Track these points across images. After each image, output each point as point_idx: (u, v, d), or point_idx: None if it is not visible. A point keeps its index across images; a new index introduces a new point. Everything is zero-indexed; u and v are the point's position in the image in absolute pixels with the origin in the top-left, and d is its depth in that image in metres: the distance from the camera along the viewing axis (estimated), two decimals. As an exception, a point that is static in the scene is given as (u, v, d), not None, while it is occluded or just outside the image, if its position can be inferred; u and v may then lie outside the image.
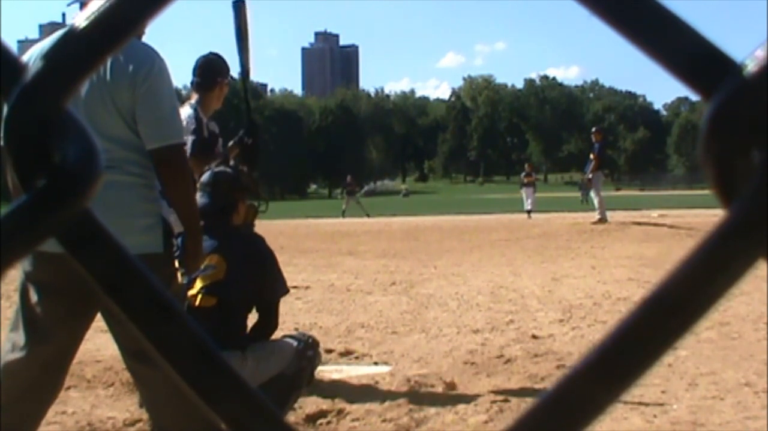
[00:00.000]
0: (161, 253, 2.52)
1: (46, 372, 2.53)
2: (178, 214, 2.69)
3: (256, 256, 3.31)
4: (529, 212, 21.08)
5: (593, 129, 15.96)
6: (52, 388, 2.56)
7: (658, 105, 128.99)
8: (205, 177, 3.41)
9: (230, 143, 4.13)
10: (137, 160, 2.56)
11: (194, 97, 4.11)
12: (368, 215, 25.12)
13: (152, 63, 2.57)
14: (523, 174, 23.06)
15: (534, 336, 5.16)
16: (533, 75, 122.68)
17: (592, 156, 14.77)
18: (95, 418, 3.55)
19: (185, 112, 3.87)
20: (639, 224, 14.90)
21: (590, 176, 14.67)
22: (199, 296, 3.23)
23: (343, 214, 26.51)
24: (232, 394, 0.32)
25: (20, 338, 2.51)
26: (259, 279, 3.27)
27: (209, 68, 4.16)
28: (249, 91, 4.30)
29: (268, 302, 3.34)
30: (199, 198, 3.24)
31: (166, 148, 2.56)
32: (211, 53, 4.28)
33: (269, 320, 3.33)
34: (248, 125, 4.08)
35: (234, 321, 3.25)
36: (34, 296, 2.51)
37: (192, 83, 4.16)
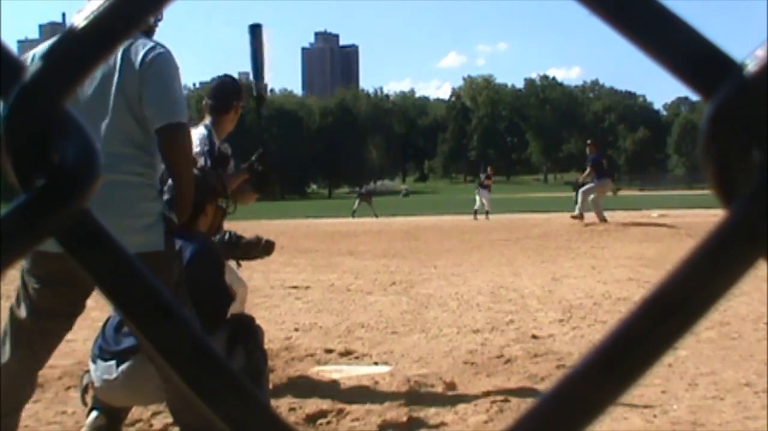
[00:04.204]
0: (163, 251, 2.53)
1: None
2: (177, 192, 2.70)
3: (205, 256, 3.27)
4: (486, 213, 21.29)
5: (588, 142, 15.68)
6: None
7: (658, 105, 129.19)
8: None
9: (242, 166, 4.11)
10: (139, 157, 2.58)
11: (208, 119, 4.09)
12: (377, 216, 25.33)
13: (155, 47, 2.61)
14: (483, 176, 23.08)
15: (534, 336, 5.16)
16: (533, 75, 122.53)
17: (588, 169, 14.60)
18: (95, 418, 3.55)
19: (198, 132, 3.89)
20: (639, 224, 14.89)
21: (591, 184, 14.51)
22: None
23: (353, 214, 26.73)
24: (231, 394, 0.32)
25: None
26: (204, 279, 3.25)
27: (224, 91, 4.11)
28: (263, 118, 4.25)
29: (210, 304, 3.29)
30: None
31: (174, 125, 2.57)
32: (226, 75, 4.28)
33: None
34: (260, 151, 4.01)
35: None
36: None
37: (206, 105, 4.12)
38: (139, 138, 2.58)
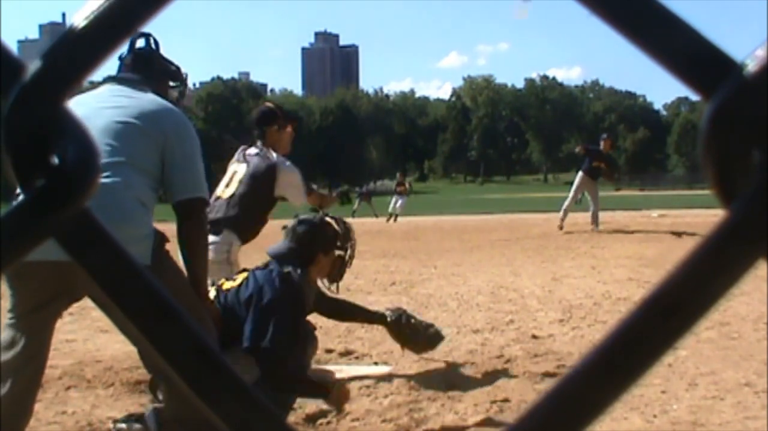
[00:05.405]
0: (148, 265, 2.54)
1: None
2: (191, 264, 2.77)
3: (261, 295, 3.18)
4: (394, 216, 21.81)
5: (604, 136, 14.43)
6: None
7: (658, 105, 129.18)
8: (291, 222, 3.45)
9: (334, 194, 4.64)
10: (144, 182, 2.65)
11: (258, 144, 4.47)
12: (376, 216, 25.35)
13: (188, 122, 2.82)
14: (395, 182, 24.12)
15: (534, 336, 5.16)
16: (534, 75, 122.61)
17: (602, 164, 13.73)
18: (95, 418, 3.55)
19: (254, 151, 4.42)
20: (639, 224, 14.86)
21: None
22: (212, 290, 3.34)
23: (353, 214, 26.76)
24: (231, 394, 0.32)
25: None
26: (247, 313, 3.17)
27: (262, 118, 4.53)
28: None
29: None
30: (281, 241, 3.40)
31: (195, 200, 2.72)
32: (267, 103, 4.81)
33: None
34: (343, 189, 4.58)
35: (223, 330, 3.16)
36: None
37: (256, 133, 4.52)
38: (147, 169, 2.67)
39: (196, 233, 2.76)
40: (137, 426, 3.13)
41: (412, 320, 4.03)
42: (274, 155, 4.37)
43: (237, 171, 4.35)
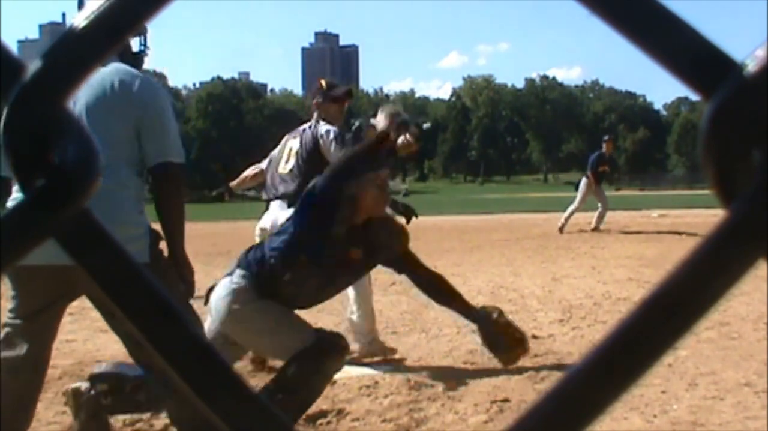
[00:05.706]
0: (147, 263, 2.54)
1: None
2: (168, 228, 2.75)
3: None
4: None
5: (606, 138, 14.38)
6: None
7: (658, 105, 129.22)
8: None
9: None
10: (130, 175, 2.63)
11: (314, 117, 4.78)
12: None
13: (154, 84, 2.78)
14: None
15: (534, 336, 5.15)
16: (534, 75, 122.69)
17: (607, 168, 13.60)
18: (95, 418, 3.54)
19: (325, 127, 4.64)
20: (639, 224, 14.85)
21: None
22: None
23: None
24: (230, 394, 0.32)
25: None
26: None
27: (310, 92, 4.95)
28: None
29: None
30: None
31: (170, 164, 2.69)
32: (321, 78, 5.09)
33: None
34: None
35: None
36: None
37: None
38: (132, 158, 2.65)
39: (172, 196, 2.73)
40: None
41: (504, 321, 3.65)
42: (322, 125, 4.62)
43: (292, 147, 4.65)
